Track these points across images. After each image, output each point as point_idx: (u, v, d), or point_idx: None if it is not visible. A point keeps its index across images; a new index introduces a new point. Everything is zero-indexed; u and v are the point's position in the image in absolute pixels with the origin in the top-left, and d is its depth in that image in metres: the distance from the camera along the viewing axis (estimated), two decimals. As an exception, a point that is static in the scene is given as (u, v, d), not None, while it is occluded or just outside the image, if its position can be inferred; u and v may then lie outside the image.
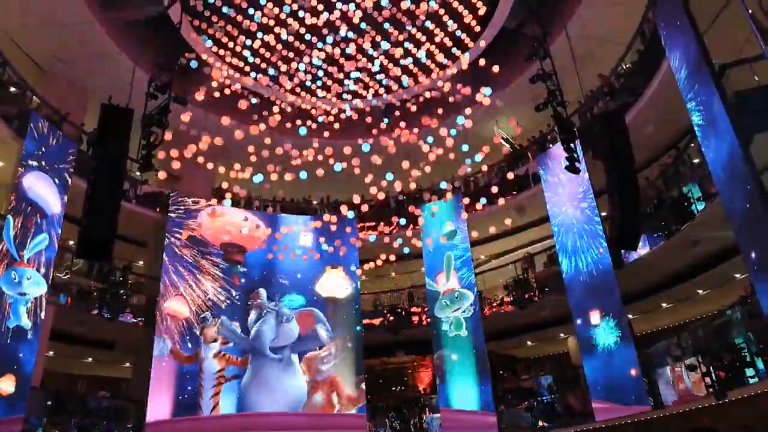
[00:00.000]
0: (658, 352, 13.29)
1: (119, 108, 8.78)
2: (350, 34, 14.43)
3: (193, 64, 13.37)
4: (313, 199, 21.20)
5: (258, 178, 13.89)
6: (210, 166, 14.13)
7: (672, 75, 11.68)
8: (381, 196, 14.72)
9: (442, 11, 14.45)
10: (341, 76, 15.95)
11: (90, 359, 18.71)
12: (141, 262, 19.36)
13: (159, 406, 15.16)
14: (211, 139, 12.60)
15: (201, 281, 17.18)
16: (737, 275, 13.49)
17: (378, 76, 15.98)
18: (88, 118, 16.51)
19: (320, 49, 14.54)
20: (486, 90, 12.76)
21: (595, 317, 14.09)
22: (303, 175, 14.34)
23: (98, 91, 15.64)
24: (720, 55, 9.54)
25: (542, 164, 17.03)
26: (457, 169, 14.95)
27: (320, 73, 15.54)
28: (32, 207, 13.17)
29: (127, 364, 18.77)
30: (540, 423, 15.47)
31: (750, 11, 8.63)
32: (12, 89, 14.34)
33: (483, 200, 16.37)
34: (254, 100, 14.52)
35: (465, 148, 13.79)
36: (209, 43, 14.61)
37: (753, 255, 8.98)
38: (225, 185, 20.53)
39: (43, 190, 13.54)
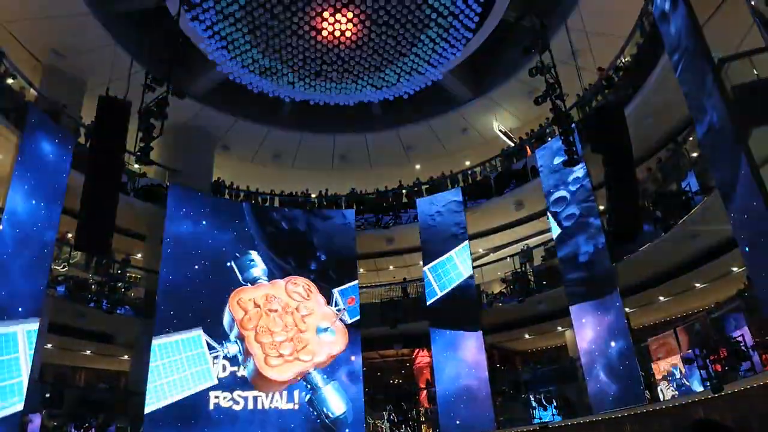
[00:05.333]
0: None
1: (117, 100, 8.73)
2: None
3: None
4: (311, 193, 21.14)
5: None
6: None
7: (671, 68, 11.65)
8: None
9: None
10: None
11: (88, 352, 18.69)
12: (139, 255, 19.32)
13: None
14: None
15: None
16: (735, 269, 13.50)
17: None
18: (86, 111, 16.43)
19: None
20: None
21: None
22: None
23: (96, 84, 15.57)
24: (719, 48, 9.50)
25: (541, 158, 16.99)
26: (457, 162, 14.94)
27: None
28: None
29: (126, 357, 18.77)
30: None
31: (753, 2, 8.59)
32: (9, 81, 14.26)
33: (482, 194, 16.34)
34: None
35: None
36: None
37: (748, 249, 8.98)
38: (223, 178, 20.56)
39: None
